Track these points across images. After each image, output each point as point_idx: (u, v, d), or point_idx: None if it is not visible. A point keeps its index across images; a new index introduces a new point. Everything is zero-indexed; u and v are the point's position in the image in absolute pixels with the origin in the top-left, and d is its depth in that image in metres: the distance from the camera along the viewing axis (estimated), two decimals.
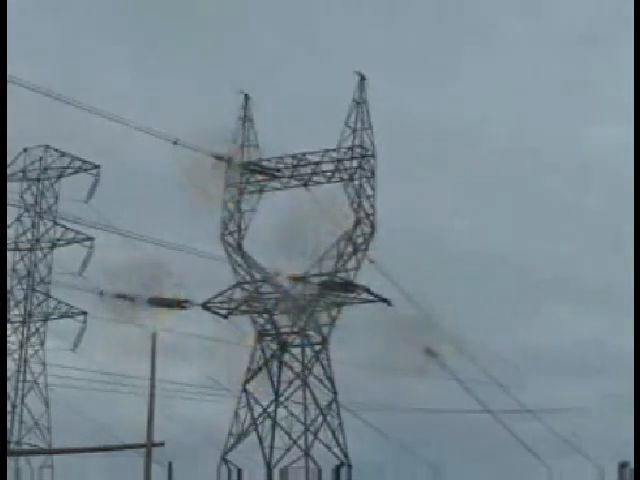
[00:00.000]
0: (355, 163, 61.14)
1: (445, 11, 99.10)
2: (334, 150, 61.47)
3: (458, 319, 67.74)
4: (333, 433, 60.31)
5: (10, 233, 69.98)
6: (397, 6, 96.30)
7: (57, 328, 70.56)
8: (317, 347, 61.55)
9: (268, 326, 61.93)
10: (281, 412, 60.31)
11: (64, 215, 68.90)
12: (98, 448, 49.93)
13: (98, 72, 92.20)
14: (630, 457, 52.35)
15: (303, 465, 59.04)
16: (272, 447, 59.72)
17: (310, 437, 59.69)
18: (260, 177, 63.02)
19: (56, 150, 71.49)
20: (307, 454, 59.16)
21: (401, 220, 67.42)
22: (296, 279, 61.36)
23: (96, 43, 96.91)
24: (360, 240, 60.44)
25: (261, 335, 61.91)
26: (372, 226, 60.55)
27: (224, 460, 60.56)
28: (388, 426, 61.04)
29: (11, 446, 65.07)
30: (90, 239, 69.67)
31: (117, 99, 66.92)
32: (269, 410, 60.67)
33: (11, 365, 68.27)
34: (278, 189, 62.99)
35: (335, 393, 61.09)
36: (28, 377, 69.95)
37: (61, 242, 71.35)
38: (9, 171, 68.62)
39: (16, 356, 69.84)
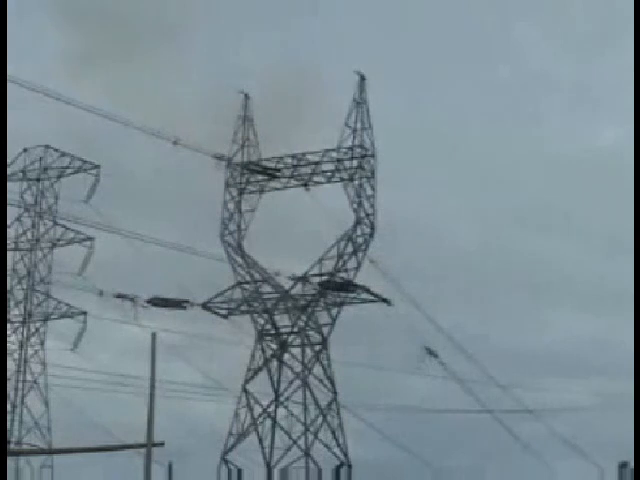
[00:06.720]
0: (355, 163, 61.10)
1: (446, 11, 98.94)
2: (334, 150, 61.40)
3: (458, 319, 67.86)
4: (333, 433, 60.27)
5: (10, 233, 69.92)
6: (398, 6, 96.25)
7: (57, 328, 70.52)
8: (317, 347, 61.52)
9: (268, 326, 61.89)
10: (281, 412, 60.25)
11: (64, 215, 68.88)
12: (98, 448, 50.00)
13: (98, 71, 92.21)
14: (630, 457, 52.36)
15: (303, 465, 58.98)
16: (272, 447, 59.64)
17: (310, 437, 59.64)
18: (260, 177, 63.01)
19: (56, 150, 71.33)
20: (307, 454, 59.11)
21: (401, 220, 67.45)
22: (296, 279, 61.46)
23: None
24: (360, 240, 60.38)
25: (261, 335, 61.87)
26: (372, 226, 60.52)
27: (224, 460, 60.51)
28: (388, 426, 61.13)
29: (11, 446, 65.03)
30: (90, 239, 69.60)
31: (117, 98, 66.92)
32: (269, 410, 60.61)
33: (11, 365, 68.17)
34: (278, 189, 62.99)
35: (335, 393, 61.03)
36: (28, 377, 69.85)
37: (61, 242, 71.24)
38: (9, 171, 68.56)
39: (16, 356, 69.76)
